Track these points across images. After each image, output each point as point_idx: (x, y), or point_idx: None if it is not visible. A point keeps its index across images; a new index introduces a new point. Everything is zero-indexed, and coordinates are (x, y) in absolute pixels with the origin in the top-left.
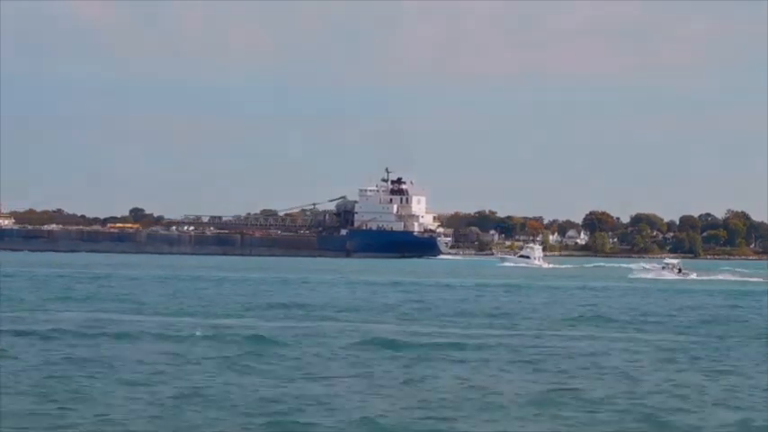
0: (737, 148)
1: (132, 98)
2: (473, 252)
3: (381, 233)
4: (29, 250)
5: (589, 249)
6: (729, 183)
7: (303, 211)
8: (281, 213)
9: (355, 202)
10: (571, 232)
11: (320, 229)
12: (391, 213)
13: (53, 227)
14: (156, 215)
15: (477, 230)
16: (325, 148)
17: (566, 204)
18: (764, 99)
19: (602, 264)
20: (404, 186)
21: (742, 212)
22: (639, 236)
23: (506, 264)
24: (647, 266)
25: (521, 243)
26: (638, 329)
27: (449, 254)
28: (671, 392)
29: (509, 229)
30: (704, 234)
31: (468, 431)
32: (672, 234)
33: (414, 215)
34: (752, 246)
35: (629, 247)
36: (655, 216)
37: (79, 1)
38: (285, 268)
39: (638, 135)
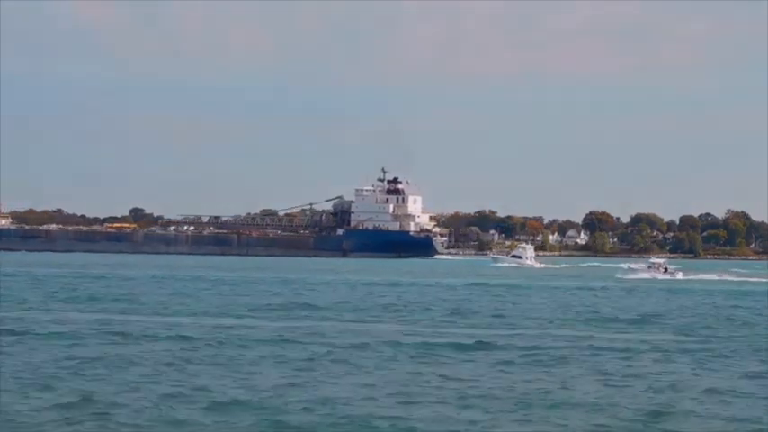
0: (737, 148)
1: (132, 98)
2: (473, 252)
3: (378, 233)
4: (26, 250)
5: (589, 249)
6: (729, 183)
7: (303, 211)
8: (282, 213)
9: (352, 202)
10: (571, 232)
11: (317, 229)
12: (387, 213)
13: (50, 227)
14: (155, 215)
15: (477, 230)
16: (325, 148)
17: (566, 204)
18: (764, 99)
19: (596, 264)
20: (400, 186)
21: (742, 212)
22: (639, 236)
23: (499, 264)
24: (634, 266)
25: (520, 243)
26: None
27: (445, 254)
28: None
29: (509, 229)
30: (704, 234)
31: None
32: (672, 234)
33: (410, 215)
34: (752, 246)
35: (629, 247)
36: (655, 216)
37: (79, 1)
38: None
39: (638, 135)
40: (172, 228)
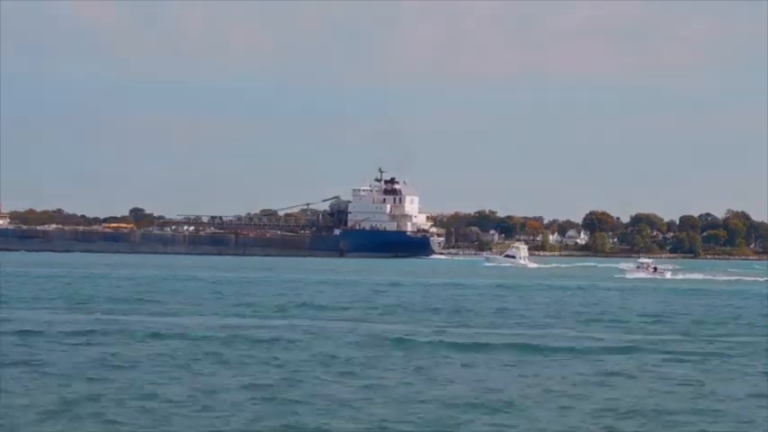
0: (737, 148)
1: (132, 98)
2: (473, 252)
3: (374, 233)
4: (25, 250)
5: (589, 249)
6: (729, 183)
7: (304, 211)
8: (282, 213)
9: (349, 202)
10: (571, 232)
11: (314, 228)
12: (384, 213)
13: (48, 227)
14: (156, 215)
15: (478, 230)
16: (324, 148)
17: (566, 204)
18: (764, 99)
19: (592, 264)
20: (397, 186)
21: (742, 212)
22: (639, 236)
23: (492, 263)
24: (623, 266)
25: (520, 242)
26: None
27: (442, 254)
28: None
29: (509, 229)
30: (704, 234)
31: None
32: (672, 234)
33: (407, 215)
34: (752, 246)
35: (629, 247)
36: (655, 216)
37: (79, 1)
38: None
39: (638, 135)
40: (169, 228)
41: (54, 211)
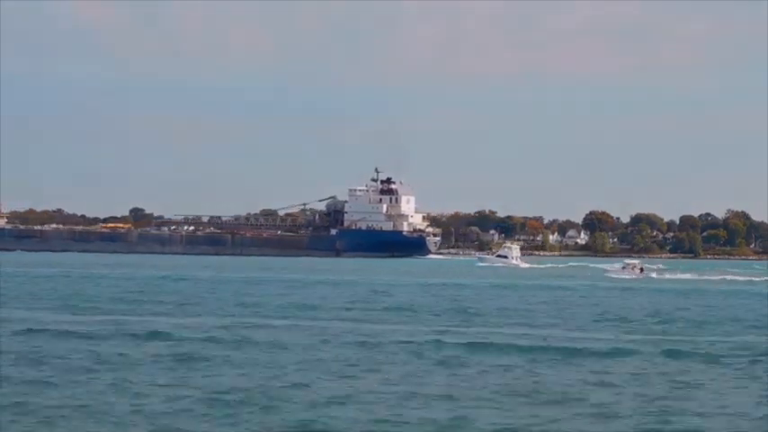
0: (737, 148)
1: (132, 98)
2: (473, 252)
3: (371, 233)
4: (22, 250)
5: (589, 249)
6: (729, 183)
7: (304, 210)
8: (282, 213)
9: (345, 201)
10: (571, 232)
11: (311, 228)
12: (381, 213)
13: (45, 227)
14: (156, 215)
15: (478, 230)
16: (325, 149)
17: (566, 204)
18: (764, 99)
19: (581, 264)
20: (393, 186)
21: (742, 212)
22: (639, 236)
23: (484, 264)
24: (608, 267)
25: (521, 242)
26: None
27: (441, 253)
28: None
29: (509, 228)
30: (704, 234)
31: None
32: (672, 234)
33: (403, 215)
34: (752, 246)
35: (629, 247)
36: (655, 216)
37: (79, 1)
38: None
39: (638, 135)
40: (166, 228)
41: (54, 211)
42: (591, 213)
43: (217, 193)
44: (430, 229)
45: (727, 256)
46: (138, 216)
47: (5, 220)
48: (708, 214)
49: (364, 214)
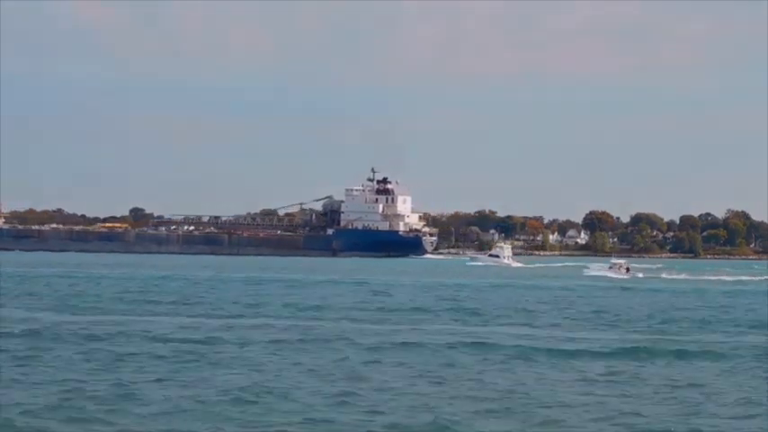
0: (737, 148)
1: (132, 98)
2: (473, 251)
3: (367, 232)
4: (20, 250)
5: (589, 249)
6: (729, 183)
7: (303, 210)
8: (282, 213)
9: (341, 201)
10: (571, 232)
11: (307, 228)
12: (377, 213)
13: (43, 227)
14: (156, 215)
15: (478, 230)
16: (325, 148)
17: (566, 204)
18: (764, 99)
19: (573, 264)
20: (389, 186)
21: (742, 212)
22: (639, 236)
23: (476, 263)
24: (594, 266)
25: (520, 242)
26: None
27: (441, 253)
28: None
29: (509, 228)
30: (704, 234)
31: None
32: (672, 234)
33: (399, 215)
34: (752, 245)
35: (629, 247)
36: (655, 216)
37: (79, 1)
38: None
39: (638, 135)
40: (163, 228)
41: (54, 211)
42: (591, 213)
43: (217, 193)
44: (426, 229)
45: (727, 256)
46: (138, 216)
47: (3, 220)
48: (708, 214)
49: (360, 214)
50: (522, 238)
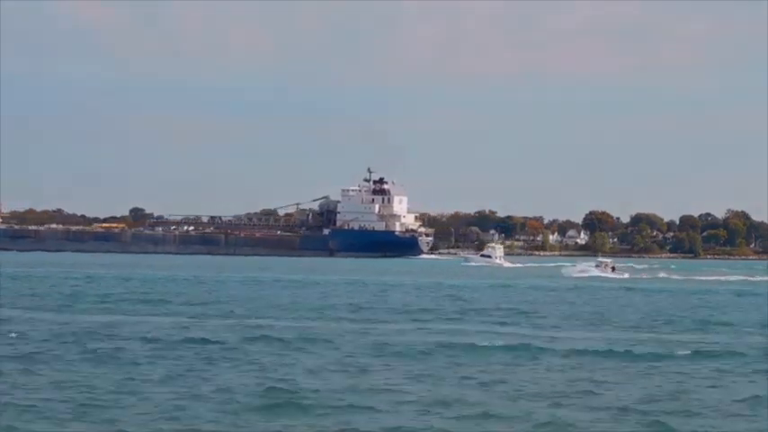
0: (737, 148)
1: (132, 98)
2: (473, 251)
3: (363, 233)
4: (17, 250)
5: (589, 249)
6: (729, 183)
7: (302, 210)
8: (282, 213)
9: (338, 201)
10: (571, 232)
11: (304, 228)
12: (373, 213)
13: (40, 227)
14: (156, 215)
15: (478, 230)
16: (325, 148)
17: (566, 204)
18: (764, 99)
19: (565, 263)
20: (386, 186)
21: (742, 212)
22: (639, 236)
23: (469, 263)
24: (580, 265)
25: (520, 242)
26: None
27: (438, 253)
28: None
29: (509, 228)
30: (704, 234)
31: None
32: (672, 234)
33: (395, 215)
34: (752, 246)
35: (629, 247)
36: (655, 216)
37: (79, 1)
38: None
39: (638, 135)
40: (160, 228)
41: (54, 211)
42: (591, 213)
43: (217, 193)
44: (422, 230)
45: (727, 256)
46: (137, 216)
47: (1, 220)
48: (708, 214)
49: (357, 214)
50: (522, 238)
